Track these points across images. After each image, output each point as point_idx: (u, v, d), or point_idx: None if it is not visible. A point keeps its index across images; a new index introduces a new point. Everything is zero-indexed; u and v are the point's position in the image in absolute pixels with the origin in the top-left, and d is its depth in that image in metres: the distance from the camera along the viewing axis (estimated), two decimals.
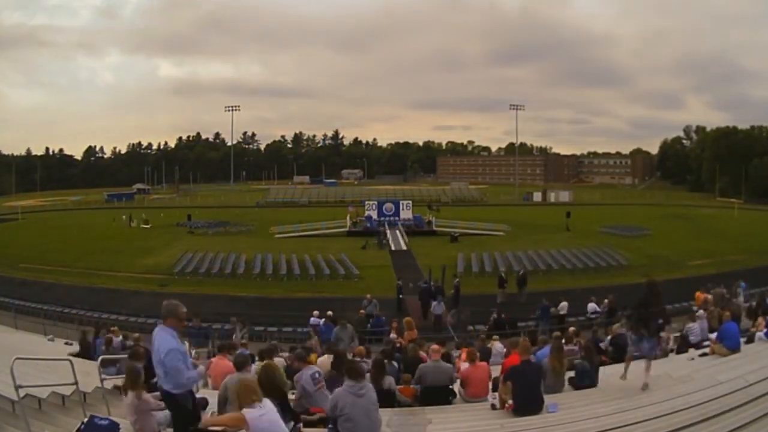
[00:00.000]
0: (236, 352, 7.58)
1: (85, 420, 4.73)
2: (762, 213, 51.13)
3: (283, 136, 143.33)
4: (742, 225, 43.77)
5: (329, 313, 16.70)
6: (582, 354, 7.38)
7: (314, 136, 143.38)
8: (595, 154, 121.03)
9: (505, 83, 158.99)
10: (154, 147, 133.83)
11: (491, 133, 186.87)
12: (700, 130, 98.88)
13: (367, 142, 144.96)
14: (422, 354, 8.44)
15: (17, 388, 4.43)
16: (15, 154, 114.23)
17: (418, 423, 5.53)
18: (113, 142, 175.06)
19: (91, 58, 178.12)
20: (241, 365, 5.64)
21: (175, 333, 4.39)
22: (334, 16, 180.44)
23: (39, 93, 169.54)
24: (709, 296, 13.83)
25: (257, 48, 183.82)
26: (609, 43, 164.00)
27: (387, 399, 6.04)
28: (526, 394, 5.69)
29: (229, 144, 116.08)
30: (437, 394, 6.69)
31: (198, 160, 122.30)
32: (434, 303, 18.78)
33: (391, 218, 41.93)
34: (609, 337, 10.49)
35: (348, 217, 42.16)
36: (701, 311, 10.97)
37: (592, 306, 17.35)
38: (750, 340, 8.34)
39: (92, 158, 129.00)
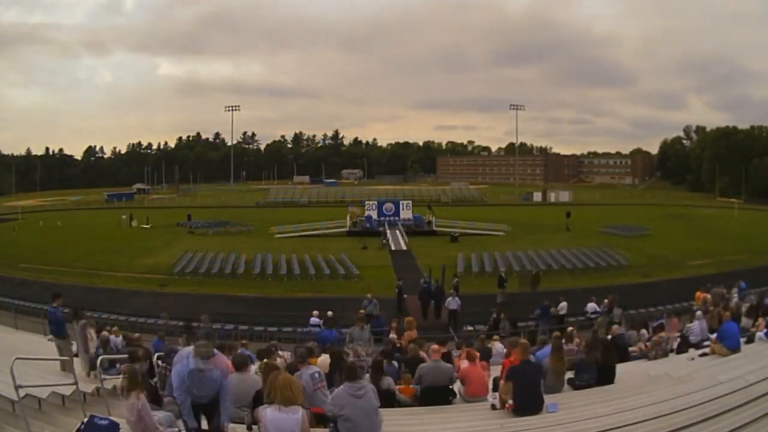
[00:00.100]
0: (236, 352, 7.57)
1: (85, 420, 4.72)
2: (762, 213, 51.14)
3: (283, 136, 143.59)
4: (742, 225, 43.79)
5: (329, 313, 16.71)
6: (584, 352, 7.38)
7: (314, 136, 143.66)
8: (595, 154, 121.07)
9: (508, 83, 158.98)
10: (154, 147, 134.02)
11: (493, 133, 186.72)
12: (700, 130, 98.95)
13: (367, 142, 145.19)
14: (422, 354, 8.43)
15: (17, 388, 4.43)
16: (15, 154, 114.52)
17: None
18: (113, 142, 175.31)
19: (91, 58, 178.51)
20: (240, 365, 5.64)
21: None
22: (337, 16, 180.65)
23: (38, 92, 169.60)
24: (708, 296, 13.84)
25: (258, 47, 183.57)
26: (612, 43, 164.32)
27: (387, 399, 6.04)
28: (526, 394, 5.69)
29: (229, 144, 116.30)
30: (437, 394, 6.68)
31: (198, 160, 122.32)
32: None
33: (391, 218, 41.94)
34: (609, 337, 10.48)
35: (348, 217, 42.16)
36: (699, 312, 10.97)
37: (592, 306, 17.36)
38: (750, 340, 8.34)
39: (92, 158, 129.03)
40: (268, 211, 57.86)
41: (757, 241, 34.20)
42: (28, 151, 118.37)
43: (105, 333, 10.77)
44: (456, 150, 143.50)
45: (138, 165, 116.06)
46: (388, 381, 6.55)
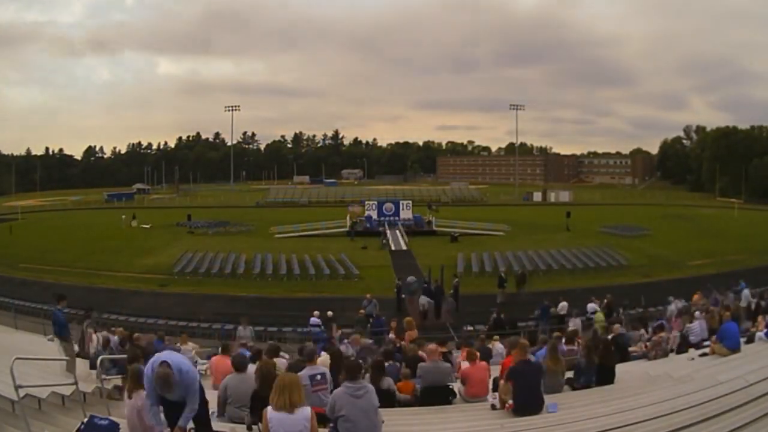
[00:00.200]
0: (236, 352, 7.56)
1: (85, 420, 4.72)
2: (762, 213, 51.14)
3: (283, 136, 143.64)
4: (742, 225, 43.79)
5: (329, 313, 16.74)
6: (583, 353, 7.37)
7: (314, 136, 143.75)
8: (595, 154, 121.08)
9: (511, 83, 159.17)
10: (154, 147, 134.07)
11: (494, 133, 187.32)
12: (700, 130, 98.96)
13: (367, 142, 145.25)
14: (422, 354, 8.43)
15: (17, 388, 4.43)
16: (15, 154, 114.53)
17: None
18: (113, 141, 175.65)
19: (90, 57, 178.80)
20: (240, 365, 5.63)
21: None
22: (341, 16, 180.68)
23: (37, 92, 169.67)
24: (696, 296, 13.88)
25: (261, 47, 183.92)
26: (615, 44, 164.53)
27: (387, 399, 6.03)
28: (526, 394, 5.69)
29: (229, 144, 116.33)
30: (437, 394, 6.68)
31: (198, 160, 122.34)
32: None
33: (391, 218, 41.94)
34: (609, 337, 10.48)
35: (348, 217, 42.16)
36: (698, 312, 10.98)
37: (592, 306, 17.32)
38: (750, 340, 8.34)
39: (92, 158, 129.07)
40: (268, 211, 57.87)
41: (757, 241, 34.21)
42: (28, 151, 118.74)
43: (105, 333, 10.79)
44: (456, 150, 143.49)
45: (138, 165, 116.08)
46: (388, 381, 6.54)
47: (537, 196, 71.55)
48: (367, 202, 45.37)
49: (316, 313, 16.74)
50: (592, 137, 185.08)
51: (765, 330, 8.39)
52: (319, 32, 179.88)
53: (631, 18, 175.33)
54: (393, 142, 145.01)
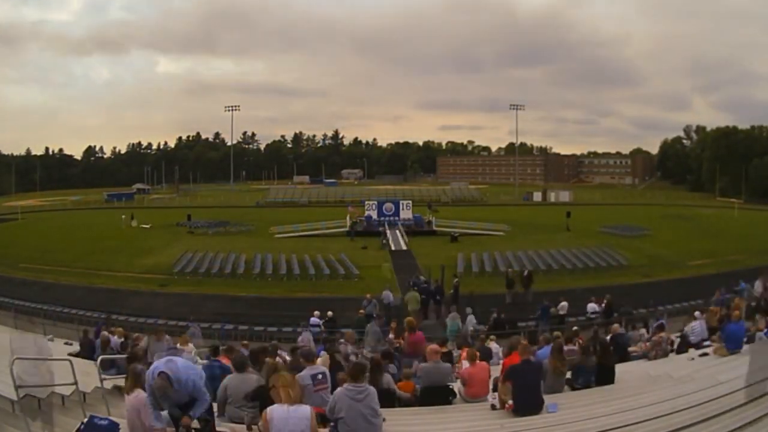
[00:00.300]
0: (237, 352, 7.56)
1: (85, 420, 4.72)
2: (762, 213, 51.11)
3: (283, 136, 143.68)
4: (742, 225, 43.76)
5: (329, 313, 16.75)
6: (579, 353, 7.38)
7: (314, 136, 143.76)
8: (595, 154, 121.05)
9: (514, 84, 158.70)
10: (154, 147, 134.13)
11: (497, 133, 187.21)
12: (700, 130, 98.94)
13: (367, 142, 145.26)
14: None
15: (17, 388, 4.43)
16: (14, 154, 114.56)
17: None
18: (113, 141, 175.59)
19: (90, 56, 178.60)
20: (240, 366, 5.63)
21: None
22: (344, 16, 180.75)
23: (37, 91, 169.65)
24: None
25: (262, 47, 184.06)
26: (619, 44, 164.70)
27: (387, 398, 6.03)
28: (526, 394, 5.69)
29: (229, 144, 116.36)
30: (437, 394, 6.69)
31: (198, 160, 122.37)
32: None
33: (391, 218, 41.91)
34: (609, 336, 10.49)
35: (348, 217, 42.14)
36: (698, 312, 10.98)
37: (592, 306, 17.38)
38: (750, 340, 8.34)
39: (92, 158, 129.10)
40: (268, 211, 57.86)
41: (757, 241, 34.18)
42: (28, 151, 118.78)
43: (105, 333, 10.81)
44: (456, 150, 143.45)
45: (138, 165, 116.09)
46: (387, 379, 6.54)
47: (537, 196, 71.51)
48: (367, 202, 45.34)
49: (316, 313, 16.76)
50: (595, 137, 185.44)
51: (765, 330, 8.40)
52: (320, 32, 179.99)
53: (635, 18, 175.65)
54: (393, 142, 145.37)
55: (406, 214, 42.74)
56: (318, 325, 16.09)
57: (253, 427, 4.92)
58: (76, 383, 5.64)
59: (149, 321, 18.63)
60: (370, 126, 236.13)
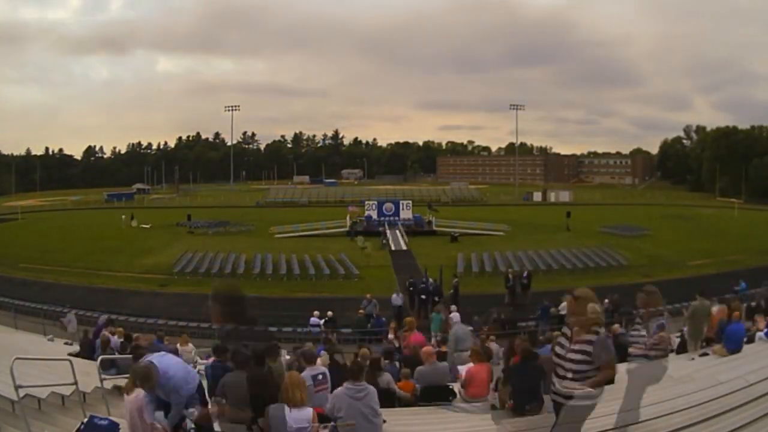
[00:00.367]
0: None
1: (85, 420, 4.72)
2: (762, 213, 51.10)
3: (283, 136, 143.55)
4: (742, 225, 43.76)
5: (329, 313, 16.75)
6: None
7: (314, 136, 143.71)
8: (595, 154, 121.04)
9: (516, 84, 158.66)
10: (154, 147, 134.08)
11: (498, 133, 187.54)
12: (700, 130, 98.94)
13: (367, 142, 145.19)
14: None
15: (17, 388, 4.43)
16: (14, 153, 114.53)
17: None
18: (113, 141, 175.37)
19: (90, 56, 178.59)
20: (239, 365, 5.61)
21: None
22: (346, 16, 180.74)
23: (37, 91, 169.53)
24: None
25: (261, 47, 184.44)
26: (620, 44, 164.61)
27: (386, 398, 6.03)
28: (525, 394, 5.68)
29: (229, 144, 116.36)
30: (437, 394, 6.69)
31: (198, 160, 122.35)
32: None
33: (391, 218, 41.92)
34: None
35: (348, 217, 42.15)
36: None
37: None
38: (750, 340, 8.34)
39: (92, 158, 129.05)
40: (268, 211, 57.87)
41: (757, 241, 34.18)
42: (28, 151, 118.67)
43: (105, 333, 10.81)
44: (456, 150, 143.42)
45: (138, 165, 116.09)
46: (387, 378, 6.54)
47: (537, 196, 71.54)
48: (367, 202, 45.36)
49: (316, 313, 16.78)
50: (596, 137, 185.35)
51: (765, 330, 8.39)
52: (321, 32, 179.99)
53: (635, 19, 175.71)
54: (393, 142, 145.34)
55: (406, 214, 42.76)
56: (318, 325, 16.10)
57: (253, 426, 4.91)
58: (76, 383, 5.64)
59: (149, 321, 18.65)
60: (370, 126, 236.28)
